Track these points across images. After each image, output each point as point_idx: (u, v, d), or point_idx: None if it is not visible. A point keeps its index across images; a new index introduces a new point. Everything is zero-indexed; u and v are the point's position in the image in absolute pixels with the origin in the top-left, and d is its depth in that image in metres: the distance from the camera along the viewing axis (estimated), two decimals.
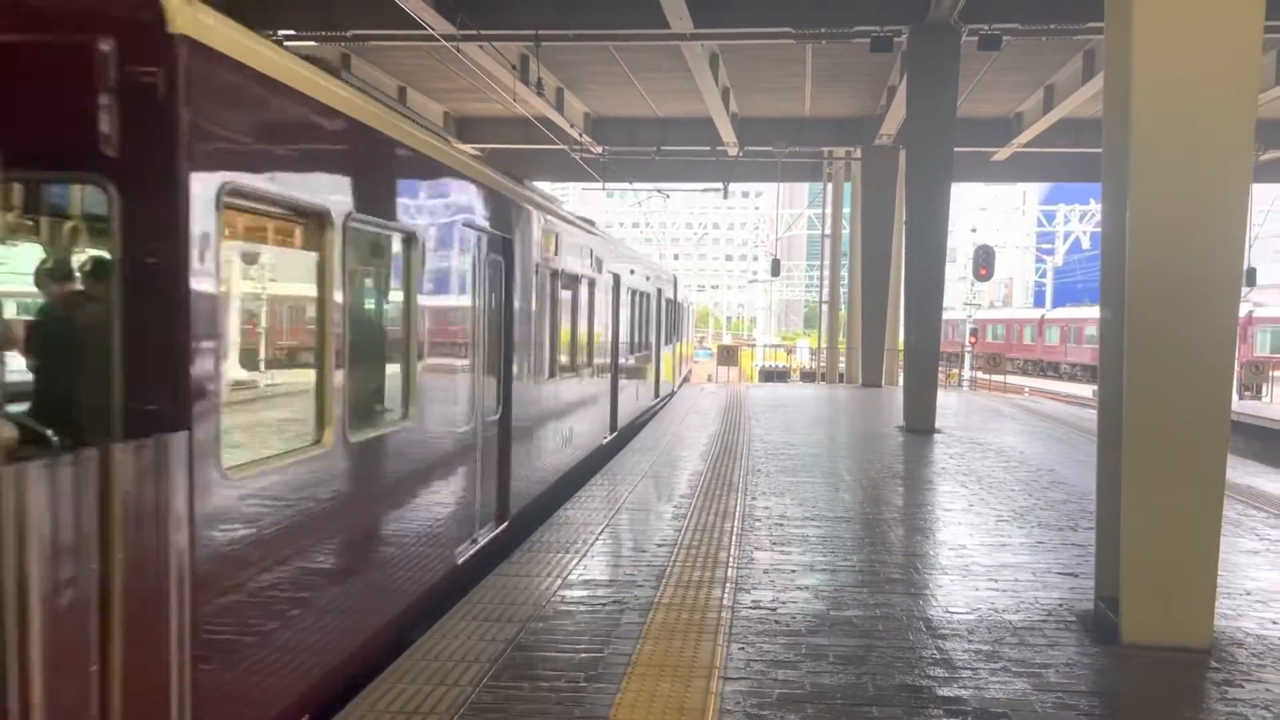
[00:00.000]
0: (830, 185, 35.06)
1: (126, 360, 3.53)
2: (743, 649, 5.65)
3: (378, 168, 5.71)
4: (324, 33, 18.38)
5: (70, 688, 3.15)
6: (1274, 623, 6.43)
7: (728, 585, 6.93)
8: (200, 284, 3.70)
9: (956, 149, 17.93)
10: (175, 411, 3.63)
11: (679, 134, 28.83)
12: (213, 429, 3.85)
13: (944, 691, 5.10)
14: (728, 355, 36.21)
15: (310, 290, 4.90)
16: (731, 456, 13.18)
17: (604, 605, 6.40)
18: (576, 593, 6.67)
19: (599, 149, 28.80)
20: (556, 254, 10.46)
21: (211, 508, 3.85)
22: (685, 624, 6.06)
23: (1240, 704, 5.08)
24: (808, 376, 38.16)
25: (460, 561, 7.18)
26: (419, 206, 6.45)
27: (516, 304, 8.73)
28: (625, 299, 16.11)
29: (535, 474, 9.59)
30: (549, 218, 10.26)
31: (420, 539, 6.39)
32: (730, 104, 25.37)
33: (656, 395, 21.40)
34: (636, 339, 18.09)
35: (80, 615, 3.18)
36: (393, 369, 6.11)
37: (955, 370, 40.47)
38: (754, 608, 6.44)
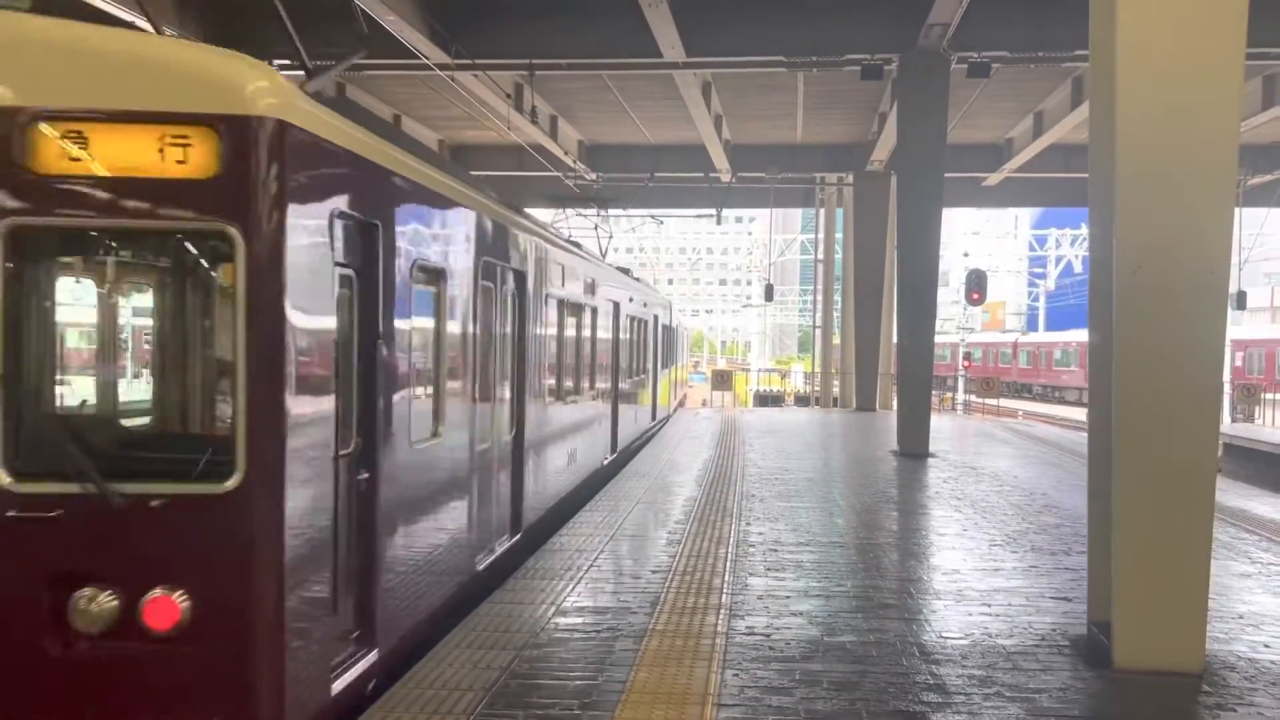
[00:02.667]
0: (823, 211, 35.24)
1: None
2: (737, 675, 5.65)
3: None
4: (318, 61, 18.49)
5: None
6: (1266, 646, 6.45)
7: (722, 611, 6.93)
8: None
9: (947, 174, 18.09)
10: None
11: (672, 161, 29.02)
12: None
13: (938, 717, 5.10)
14: (722, 380, 36.25)
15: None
16: (726, 482, 13.19)
17: (598, 632, 6.40)
18: (571, 619, 6.66)
19: (593, 176, 28.97)
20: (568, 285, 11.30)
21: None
22: (679, 651, 6.06)
23: None
24: (802, 401, 38.19)
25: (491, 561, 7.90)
26: (513, 253, 8.25)
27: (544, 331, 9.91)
28: (625, 325, 16.59)
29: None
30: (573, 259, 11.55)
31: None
32: (723, 131, 25.57)
33: (653, 419, 21.86)
34: (636, 363, 18.51)
35: None
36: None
37: (949, 394, 40.53)
38: (748, 634, 6.44)
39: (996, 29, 16.71)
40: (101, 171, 4.21)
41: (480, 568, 7.51)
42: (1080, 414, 34.72)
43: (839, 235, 34.86)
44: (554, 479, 10.46)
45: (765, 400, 38.21)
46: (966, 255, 62.50)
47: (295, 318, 4.43)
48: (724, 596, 7.33)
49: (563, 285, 10.68)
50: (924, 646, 6.26)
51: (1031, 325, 74.00)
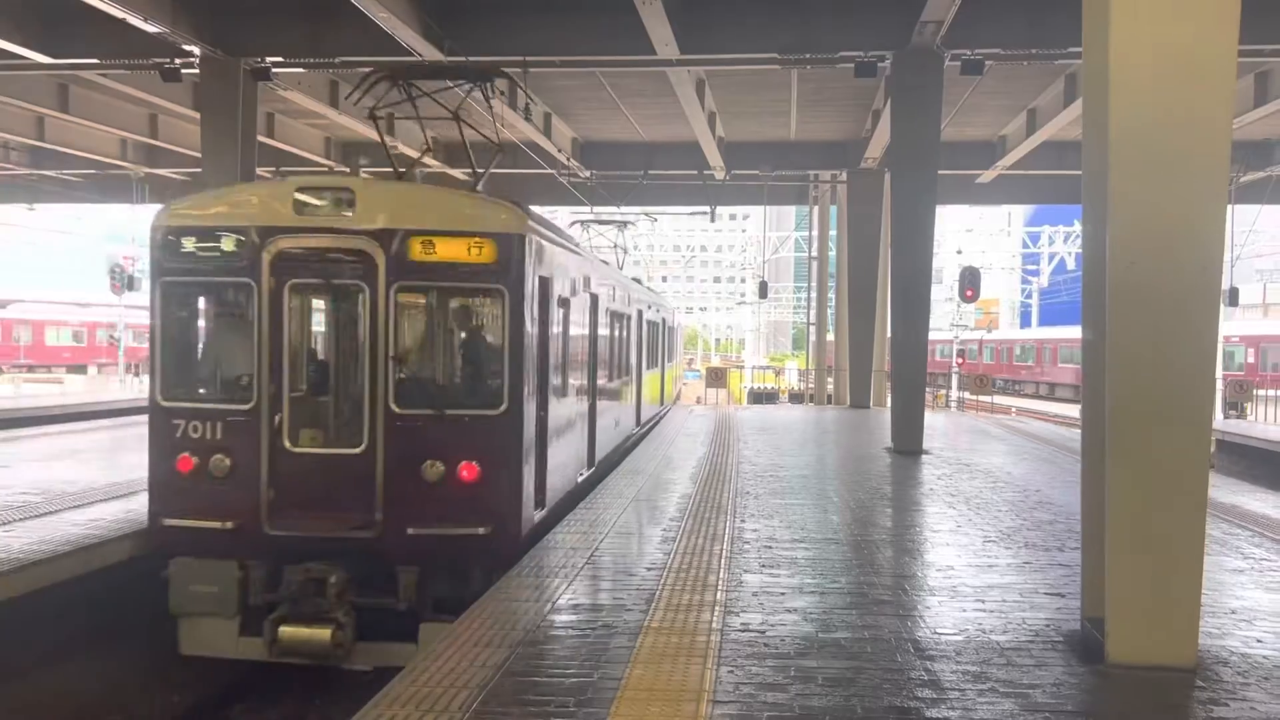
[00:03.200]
0: (816, 208, 35.24)
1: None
2: (732, 672, 5.66)
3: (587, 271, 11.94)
4: (312, 59, 18.45)
5: None
6: (1259, 641, 6.48)
7: (717, 608, 6.95)
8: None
9: (941, 171, 18.07)
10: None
11: (666, 158, 28.96)
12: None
13: (932, 713, 5.12)
14: (716, 377, 36.26)
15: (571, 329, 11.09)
16: (720, 479, 13.20)
17: (593, 629, 6.41)
18: (566, 617, 6.67)
19: (587, 173, 28.92)
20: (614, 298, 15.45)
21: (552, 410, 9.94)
22: (675, 648, 6.07)
23: None
24: (796, 398, 38.20)
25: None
26: (594, 283, 12.59)
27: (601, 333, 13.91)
28: (645, 328, 19.94)
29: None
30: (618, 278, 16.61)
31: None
32: (717, 128, 25.54)
33: (661, 403, 24.47)
34: (650, 359, 21.27)
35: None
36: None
37: (943, 391, 40.59)
38: (743, 631, 6.45)
39: (990, 26, 16.69)
40: (440, 259, 8.35)
41: (579, 480, 11.76)
42: (1061, 409, 34.78)
43: (833, 232, 34.84)
44: (607, 436, 14.53)
45: (759, 397, 38.20)
46: (960, 252, 62.51)
47: (528, 329, 8.66)
48: (719, 593, 7.34)
49: (612, 301, 14.82)
50: (918, 642, 6.28)
51: (1025, 322, 74.18)
